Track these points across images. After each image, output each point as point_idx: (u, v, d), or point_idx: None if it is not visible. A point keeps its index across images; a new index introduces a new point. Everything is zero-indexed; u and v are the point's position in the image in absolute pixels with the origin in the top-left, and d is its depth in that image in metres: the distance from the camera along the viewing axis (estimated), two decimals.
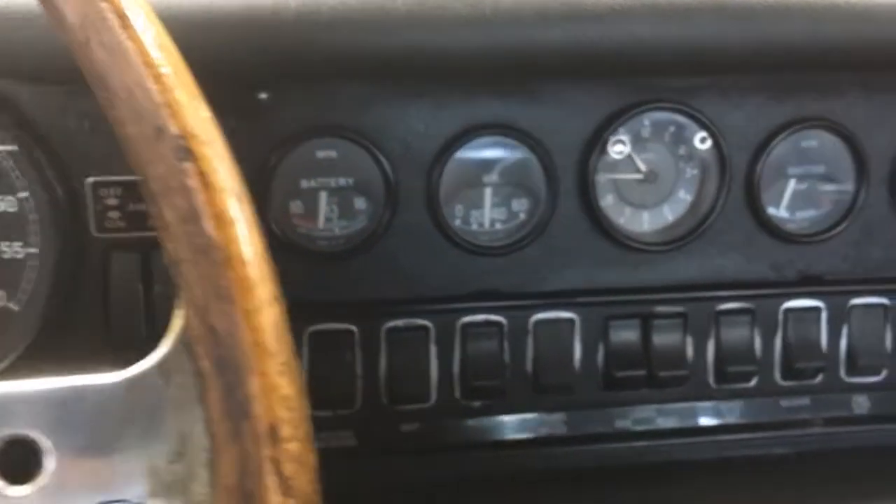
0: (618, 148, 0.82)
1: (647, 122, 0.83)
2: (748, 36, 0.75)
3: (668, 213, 0.86)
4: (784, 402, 0.91)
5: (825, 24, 0.76)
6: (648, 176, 0.84)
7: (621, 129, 0.82)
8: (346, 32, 0.69)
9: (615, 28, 0.72)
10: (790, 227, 0.87)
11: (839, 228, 0.87)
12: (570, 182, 0.83)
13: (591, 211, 0.83)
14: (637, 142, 0.83)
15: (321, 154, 0.79)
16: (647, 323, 0.86)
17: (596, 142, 0.81)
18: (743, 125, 0.84)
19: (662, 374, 0.86)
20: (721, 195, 0.84)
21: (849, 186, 0.87)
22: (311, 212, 0.80)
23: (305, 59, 0.70)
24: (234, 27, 0.68)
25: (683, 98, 0.82)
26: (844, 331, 0.90)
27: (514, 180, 0.82)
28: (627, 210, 0.85)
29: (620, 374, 0.86)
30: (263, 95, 0.76)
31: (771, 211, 0.87)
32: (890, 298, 0.90)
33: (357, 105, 0.78)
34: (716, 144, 0.83)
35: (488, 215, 0.83)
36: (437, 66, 0.73)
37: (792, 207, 0.87)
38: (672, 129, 0.84)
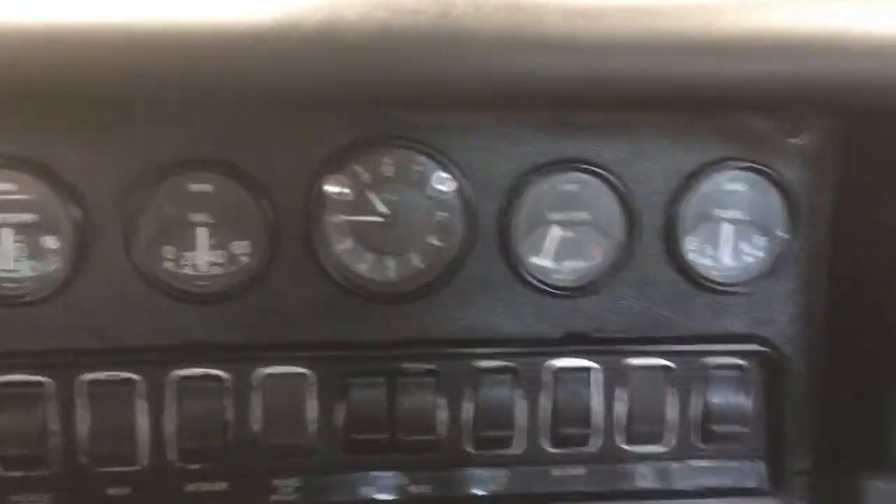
0: (335, 188, 0.74)
1: (388, 161, 0.76)
2: (488, 69, 0.67)
3: (417, 260, 0.78)
4: (556, 472, 0.82)
5: (576, 56, 0.68)
6: (390, 219, 0.76)
7: (350, 168, 0.75)
8: None
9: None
10: (555, 278, 0.79)
11: (609, 281, 0.79)
12: (295, 227, 0.75)
13: (317, 257, 0.75)
14: (378, 182, 0.76)
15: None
16: (392, 381, 0.78)
17: (313, 182, 0.74)
18: (490, 166, 0.76)
19: (408, 438, 0.77)
20: (468, 242, 0.77)
21: (620, 236, 0.79)
22: None
23: None
24: None
25: (422, 136, 0.75)
26: (621, 395, 0.81)
27: (231, 221, 0.74)
28: (368, 256, 0.77)
29: (361, 437, 0.77)
30: None
31: (532, 260, 0.79)
32: (671, 359, 0.81)
33: None
34: (459, 187, 0.75)
35: (205, 258, 0.75)
36: None
37: (556, 257, 0.79)
38: (416, 168, 0.76)
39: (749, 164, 0.78)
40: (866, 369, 0.77)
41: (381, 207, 0.76)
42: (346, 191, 0.75)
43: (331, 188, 0.74)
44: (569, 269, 0.80)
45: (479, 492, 0.81)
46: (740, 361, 0.81)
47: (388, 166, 0.75)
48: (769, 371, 0.82)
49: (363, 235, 0.76)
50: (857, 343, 0.79)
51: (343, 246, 0.76)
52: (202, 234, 0.74)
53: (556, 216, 0.78)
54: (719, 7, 0.63)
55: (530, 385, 0.80)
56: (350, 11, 0.58)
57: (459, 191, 0.76)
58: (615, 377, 0.81)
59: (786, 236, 0.80)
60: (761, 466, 0.84)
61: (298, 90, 0.59)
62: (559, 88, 0.61)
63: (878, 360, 0.75)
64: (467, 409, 0.79)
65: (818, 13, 0.62)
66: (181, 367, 0.75)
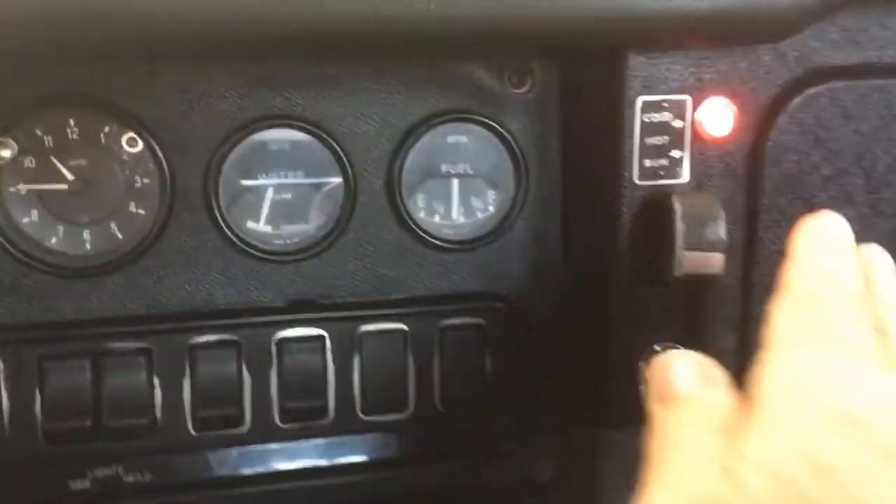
0: (7, 153, 0.67)
1: (72, 123, 0.69)
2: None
3: (116, 230, 0.72)
4: (290, 448, 0.78)
5: None
6: (79, 185, 0.70)
7: (29, 131, 0.68)
8: None
9: None
10: (276, 244, 0.75)
11: (332, 244, 0.75)
12: None
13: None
14: (62, 146, 0.69)
15: None
16: (97, 363, 0.71)
17: None
18: (189, 126, 0.70)
19: (117, 423, 0.71)
20: (168, 208, 0.71)
21: (339, 196, 0.75)
22: None
23: None
24: None
25: (107, 95, 0.68)
26: (355, 363, 0.77)
27: None
28: (59, 228, 0.71)
29: (60, 425, 0.71)
30: None
31: (249, 226, 0.74)
32: (405, 322, 0.78)
33: None
34: (153, 150, 0.70)
35: None
36: None
37: (273, 221, 0.75)
38: (105, 130, 0.70)
39: (472, 117, 0.76)
40: (591, 318, 0.77)
41: (67, 174, 0.69)
42: (25, 157, 0.68)
43: (1, 151, 0.66)
44: (289, 233, 0.75)
45: (203, 476, 0.76)
46: (478, 320, 0.79)
47: (72, 129, 0.69)
48: (507, 328, 0.80)
49: (50, 206, 0.70)
50: (585, 296, 0.78)
51: (28, 218, 0.70)
52: None
53: (269, 178, 0.74)
54: None
55: (256, 358, 0.75)
56: None
57: (153, 153, 0.70)
58: (347, 345, 0.77)
59: (514, 189, 0.78)
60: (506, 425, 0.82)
61: None
62: (200, 34, 0.56)
63: (599, 308, 0.74)
64: (186, 389, 0.74)
65: None
66: None
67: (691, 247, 0.67)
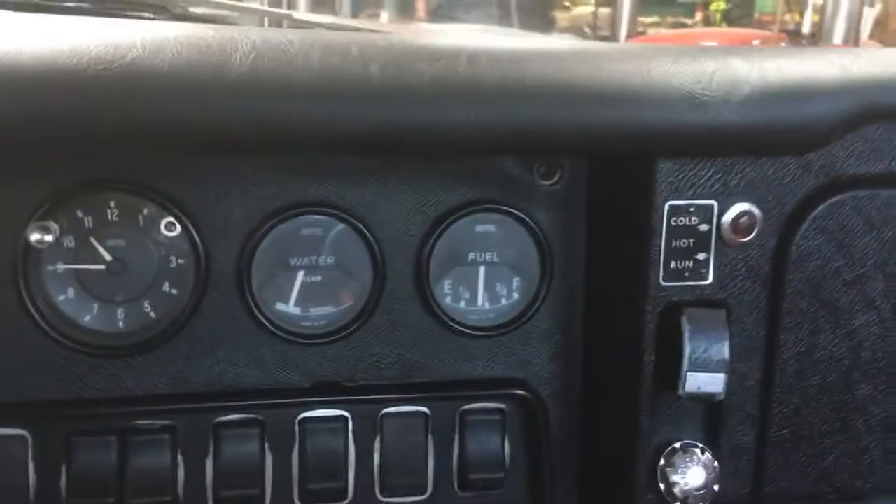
0: (50, 236, 0.68)
1: (112, 205, 0.71)
2: (179, 114, 0.60)
3: (149, 309, 0.73)
4: None
5: (274, 100, 0.61)
6: (116, 266, 0.71)
7: (69, 213, 0.70)
8: None
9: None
10: (303, 325, 0.76)
11: (359, 328, 0.76)
12: (5, 276, 0.69)
13: (28, 308, 0.69)
14: (102, 227, 0.71)
15: None
16: (124, 440, 0.72)
17: (23, 228, 0.68)
18: (225, 210, 0.72)
19: (137, 502, 0.72)
20: (202, 289, 0.73)
21: (368, 281, 0.76)
22: None
23: None
24: None
25: (148, 179, 0.70)
26: (376, 445, 0.78)
27: None
28: (94, 306, 0.72)
29: (83, 502, 0.72)
30: None
31: (278, 307, 0.76)
32: (427, 406, 0.79)
33: None
34: (189, 232, 0.71)
35: None
36: None
37: (303, 303, 0.76)
38: (144, 213, 0.72)
39: (501, 207, 0.77)
40: (614, 414, 0.77)
41: (105, 254, 0.71)
42: (66, 237, 0.70)
43: (39, 236, 0.68)
44: (317, 316, 0.77)
45: None
46: (499, 405, 0.80)
47: (112, 211, 0.71)
48: (527, 414, 0.81)
49: (87, 284, 0.71)
50: (606, 388, 0.79)
51: (64, 296, 0.71)
52: None
53: (301, 261, 0.75)
54: (439, 54, 0.62)
55: (279, 439, 0.76)
56: (6, 51, 0.53)
57: (189, 236, 0.72)
58: (369, 426, 0.78)
59: (539, 278, 0.79)
60: None
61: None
62: (253, 134, 0.58)
63: (623, 405, 0.75)
64: (209, 467, 0.75)
65: (544, 67, 0.62)
66: None
67: (696, 368, 0.69)
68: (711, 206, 0.69)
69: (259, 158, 0.72)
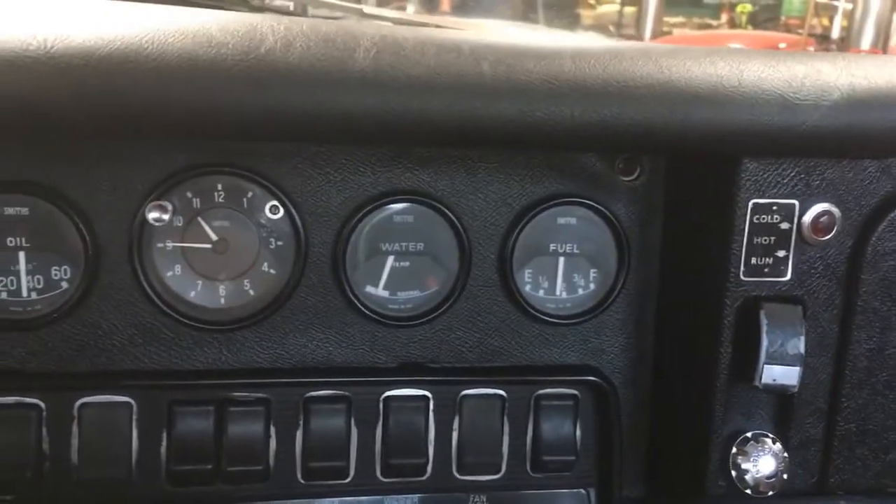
0: (162, 214, 0.72)
1: (219, 188, 0.75)
2: (295, 105, 0.64)
3: (249, 287, 0.77)
4: (387, 502, 0.82)
5: (387, 94, 0.64)
6: (220, 245, 0.75)
7: (180, 194, 0.73)
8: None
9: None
10: (390, 308, 0.80)
11: (444, 312, 0.80)
12: (120, 253, 0.73)
13: (141, 283, 0.73)
14: (209, 208, 0.75)
15: None
16: (221, 410, 0.76)
17: (138, 208, 0.72)
18: (324, 196, 0.76)
19: (235, 468, 0.76)
20: (299, 270, 0.76)
21: (454, 267, 0.80)
22: None
23: None
24: None
25: (253, 164, 0.74)
26: (455, 424, 0.82)
27: (50, 246, 0.72)
28: (199, 282, 0.76)
29: (184, 468, 0.76)
30: None
31: (368, 290, 0.79)
32: (504, 389, 0.82)
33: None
34: (291, 216, 0.75)
35: (22, 283, 0.72)
36: None
37: (391, 287, 0.80)
38: (248, 196, 0.75)
39: (582, 201, 0.80)
40: (686, 403, 0.80)
41: (212, 234, 0.75)
42: (176, 217, 0.74)
43: (156, 214, 0.72)
44: (404, 299, 0.80)
45: None
46: (572, 391, 0.83)
47: (219, 193, 0.74)
48: (599, 401, 0.84)
49: (193, 262, 0.75)
50: (680, 377, 0.82)
51: (172, 272, 0.75)
52: (19, 259, 0.72)
53: (391, 246, 0.79)
54: (544, 52, 0.65)
55: (364, 414, 0.80)
56: (150, 42, 0.57)
57: (291, 219, 0.75)
58: (449, 406, 0.81)
59: (616, 270, 0.82)
60: (591, 494, 0.86)
61: (96, 119, 0.58)
62: (371, 125, 0.62)
63: (696, 395, 0.78)
64: (299, 439, 0.79)
65: (644, 66, 0.65)
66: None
67: (772, 361, 0.72)
68: (793, 206, 0.72)
69: (357, 148, 0.76)
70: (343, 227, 0.77)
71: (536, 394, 0.83)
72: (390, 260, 0.79)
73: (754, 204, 0.72)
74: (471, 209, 0.79)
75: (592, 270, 0.83)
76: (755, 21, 11.61)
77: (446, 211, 0.78)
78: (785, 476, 0.76)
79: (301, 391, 0.79)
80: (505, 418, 0.82)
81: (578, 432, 0.83)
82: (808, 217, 0.73)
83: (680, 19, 11.67)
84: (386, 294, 0.80)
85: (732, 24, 11.97)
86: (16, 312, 0.72)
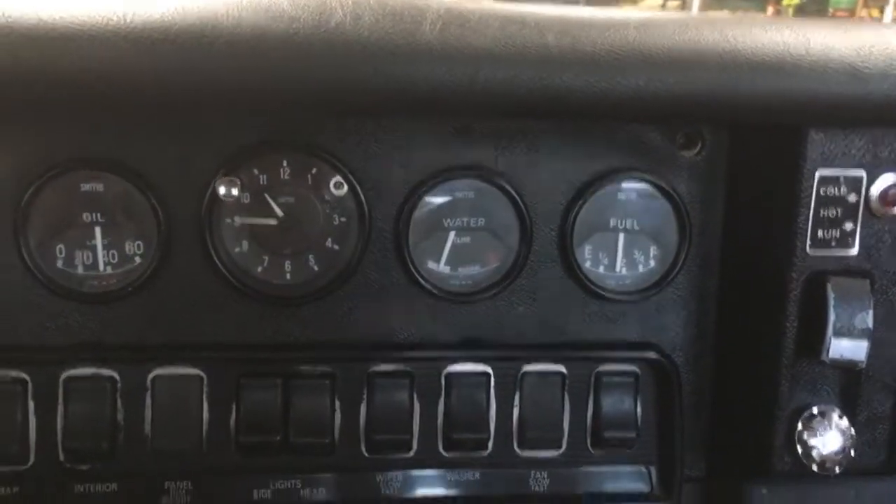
0: (231, 190, 0.74)
1: (285, 165, 0.76)
2: (368, 77, 0.66)
3: (313, 263, 0.78)
4: (450, 476, 0.83)
5: (456, 65, 0.66)
6: (286, 221, 0.77)
7: (247, 170, 0.75)
8: None
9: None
10: (451, 283, 0.81)
11: (505, 287, 0.81)
12: (190, 228, 0.75)
13: (211, 258, 0.75)
14: (275, 185, 0.76)
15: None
16: (287, 383, 0.78)
17: (208, 184, 0.74)
18: (387, 172, 0.77)
19: (302, 440, 0.78)
20: (363, 246, 0.78)
21: (515, 243, 0.80)
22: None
23: None
24: None
25: (318, 140, 0.76)
26: (515, 400, 0.82)
27: (124, 221, 0.74)
28: (265, 258, 0.78)
29: (253, 439, 0.77)
30: None
31: (429, 266, 0.80)
32: (564, 365, 0.83)
33: None
34: (355, 192, 0.76)
35: (97, 257, 0.75)
36: None
37: (453, 263, 0.80)
38: (313, 172, 0.77)
39: (643, 176, 0.80)
40: (750, 379, 0.80)
41: (278, 210, 0.76)
42: (243, 193, 0.76)
43: (226, 190, 0.74)
44: (465, 275, 0.81)
45: (370, 496, 0.81)
46: (632, 368, 0.83)
47: (284, 170, 0.76)
48: (660, 378, 0.84)
49: (260, 237, 0.77)
50: (743, 353, 0.81)
51: (239, 248, 0.77)
52: (94, 233, 0.74)
53: (453, 222, 0.80)
54: (609, 23, 0.66)
55: (426, 389, 0.81)
56: (224, 16, 0.59)
57: (355, 195, 0.77)
58: (510, 382, 0.82)
59: (677, 246, 0.82)
60: (652, 472, 0.85)
61: (172, 94, 0.60)
62: (438, 97, 0.63)
63: (761, 370, 0.77)
64: (363, 413, 0.80)
65: (709, 35, 0.65)
66: (72, 368, 0.75)
67: (840, 334, 0.71)
68: (860, 177, 0.71)
69: (420, 123, 0.77)
70: (405, 203, 0.78)
71: (597, 370, 0.83)
72: (451, 236, 0.80)
73: (821, 175, 0.71)
74: (531, 185, 0.79)
75: (653, 246, 0.82)
76: (803, 13, 11.37)
77: (507, 187, 0.78)
78: (852, 453, 0.75)
79: (365, 366, 0.80)
80: (565, 394, 0.83)
81: (639, 409, 0.83)
82: (875, 188, 0.72)
83: (725, 12, 11.45)
84: (447, 270, 0.80)
85: (779, 16, 11.69)
86: (92, 286, 0.75)
